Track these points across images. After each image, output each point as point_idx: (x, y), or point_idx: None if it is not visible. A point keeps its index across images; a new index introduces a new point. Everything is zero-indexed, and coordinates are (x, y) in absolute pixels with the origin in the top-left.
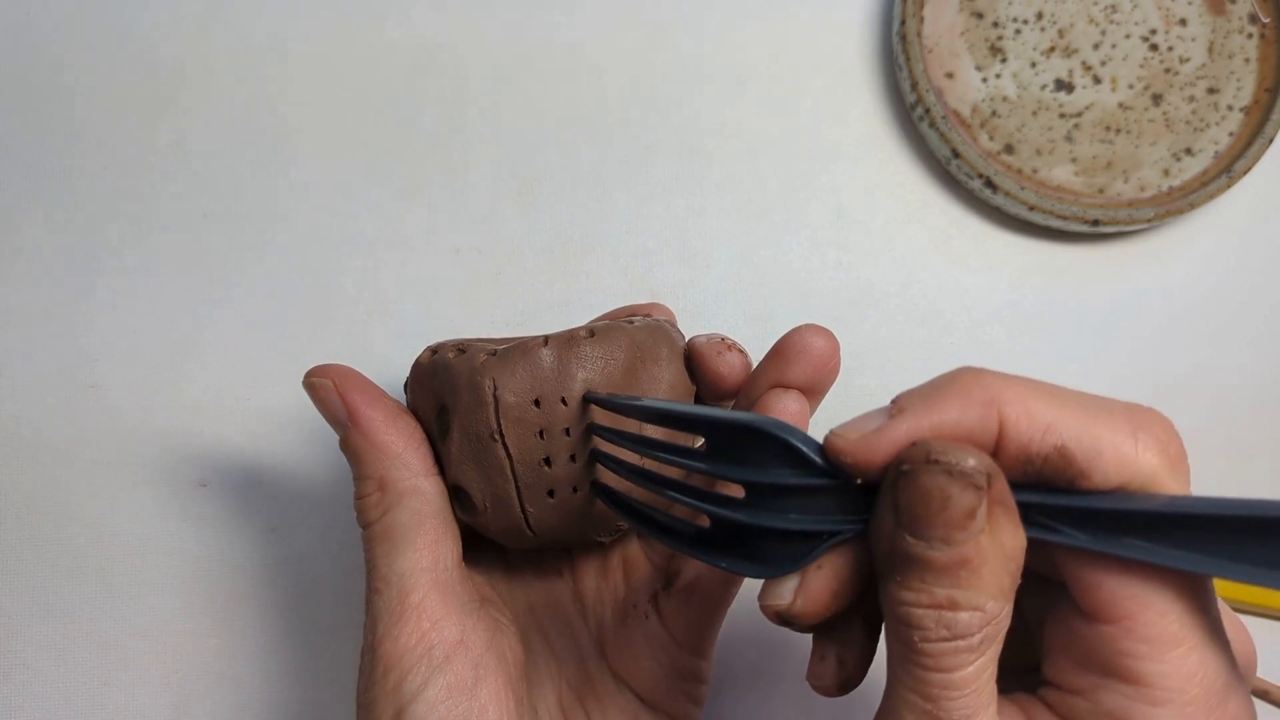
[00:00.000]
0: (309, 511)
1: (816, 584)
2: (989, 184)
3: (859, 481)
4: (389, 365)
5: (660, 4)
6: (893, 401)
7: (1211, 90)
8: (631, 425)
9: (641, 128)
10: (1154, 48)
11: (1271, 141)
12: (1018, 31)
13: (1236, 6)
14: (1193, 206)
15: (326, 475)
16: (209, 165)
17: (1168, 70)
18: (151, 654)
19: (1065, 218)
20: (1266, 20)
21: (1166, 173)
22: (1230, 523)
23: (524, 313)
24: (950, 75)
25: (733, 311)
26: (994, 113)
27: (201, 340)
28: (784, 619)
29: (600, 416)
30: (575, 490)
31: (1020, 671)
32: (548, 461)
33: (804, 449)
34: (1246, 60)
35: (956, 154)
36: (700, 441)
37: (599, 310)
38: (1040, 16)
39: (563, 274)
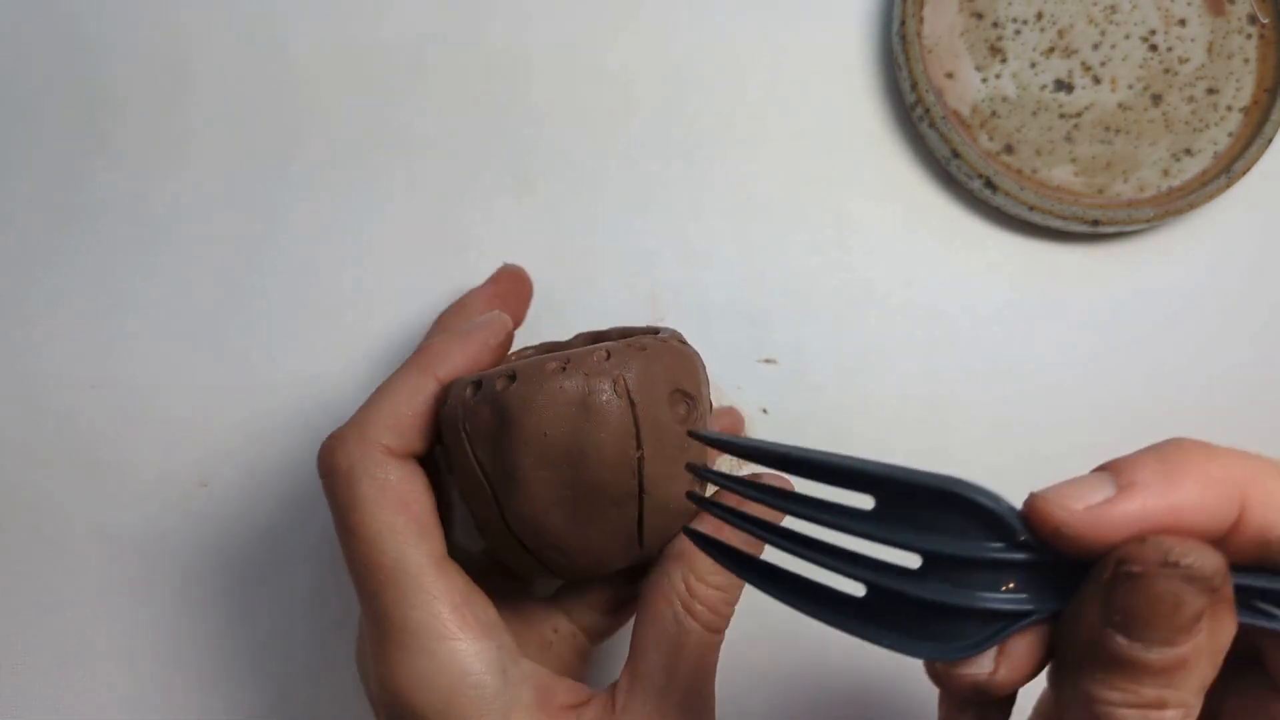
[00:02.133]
0: (309, 511)
1: (1020, 655)
2: (989, 184)
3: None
4: (389, 366)
5: (660, 4)
6: (1110, 469)
7: (1211, 90)
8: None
9: (642, 128)
10: (1153, 48)
11: (1271, 142)
12: (1018, 32)
13: (1236, 7)
14: (1192, 207)
15: None
16: (209, 164)
17: (1167, 70)
18: (152, 654)
19: (1065, 218)
20: (1266, 21)
21: (1166, 173)
22: None
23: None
24: (950, 75)
25: (733, 311)
26: (994, 113)
27: (202, 340)
28: (980, 690)
29: (712, 456)
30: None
31: None
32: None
33: (1007, 518)
34: (1246, 60)
35: (956, 154)
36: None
37: (599, 310)
38: (1040, 17)
39: (563, 274)
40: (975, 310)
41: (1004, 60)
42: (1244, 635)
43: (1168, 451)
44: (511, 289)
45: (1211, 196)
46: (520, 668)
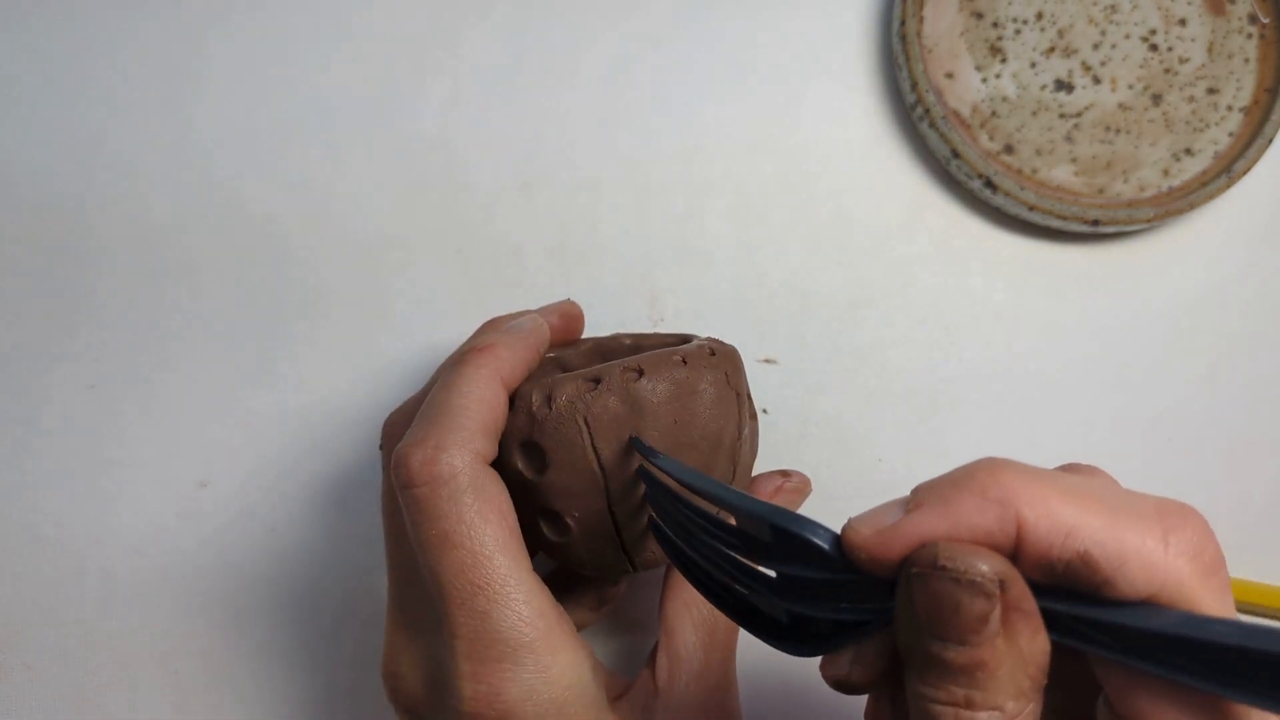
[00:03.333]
0: (309, 511)
1: (870, 655)
2: (989, 184)
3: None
4: (389, 365)
5: (660, 4)
6: (912, 492)
7: (1211, 90)
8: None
9: (641, 128)
10: (1154, 48)
11: (1271, 141)
12: (1018, 31)
13: (1236, 7)
14: (1192, 206)
15: (327, 475)
16: (209, 162)
17: (1167, 70)
18: (151, 654)
19: (1065, 218)
20: (1266, 20)
21: (1166, 173)
22: (1253, 655)
23: None
24: (950, 75)
25: (733, 311)
26: (994, 113)
27: (202, 340)
28: (843, 685)
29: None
30: None
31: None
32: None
33: (824, 546)
34: (1246, 60)
35: (956, 154)
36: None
37: (599, 310)
38: (1040, 16)
39: (563, 274)
40: (975, 310)
41: (1004, 60)
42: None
43: (959, 473)
44: (564, 325)
45: (1211, 196)
46: (600, 668)
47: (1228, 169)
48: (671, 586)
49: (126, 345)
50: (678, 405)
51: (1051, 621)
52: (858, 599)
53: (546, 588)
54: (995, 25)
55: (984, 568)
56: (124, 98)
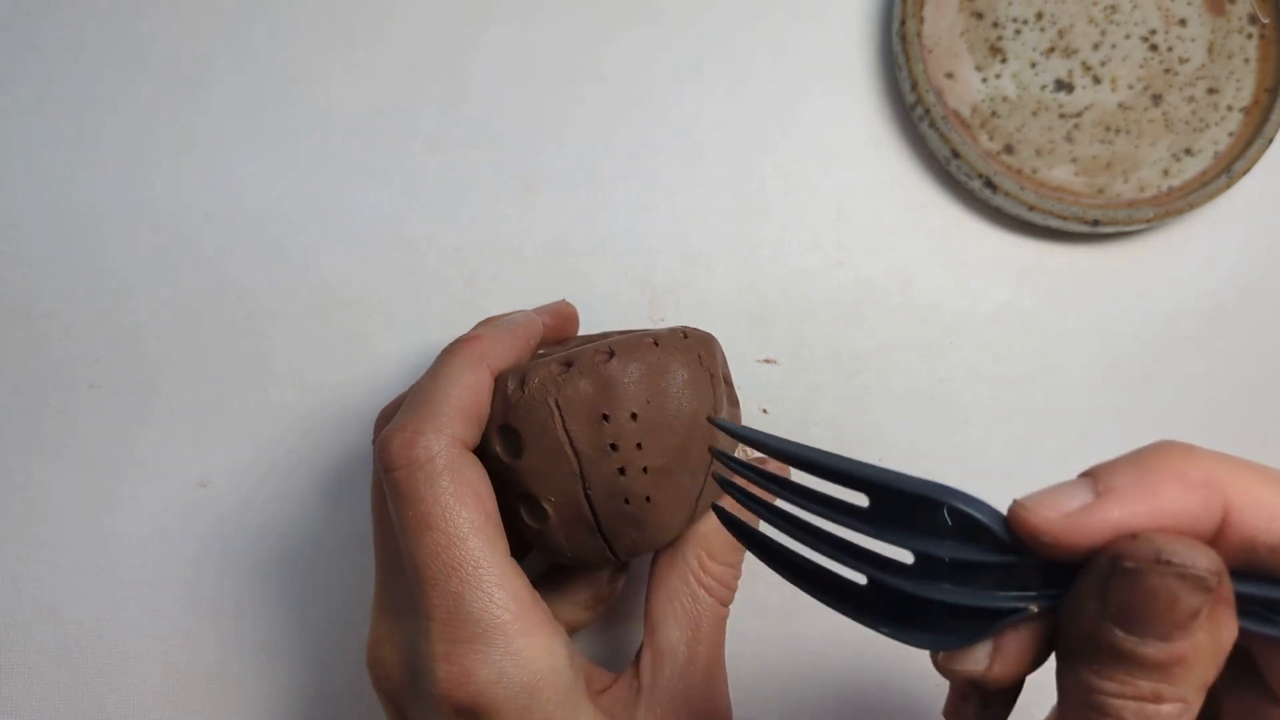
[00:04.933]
0: (309, 511)
1: (1013, 651)
2: (989, 184)
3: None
4: (389, 365)
5: (660, 4)
6: (1090, 475)
7: (1211, 90)
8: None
9: (641, 128)
10: (1154, 48)
11: (1271, 141)
12: (1018, 31)
13: (1236, 7)
14: (1192, 206)
15: (327, 475)
16: (210, 160)
17: (1167, 70)
18: (151, 654)
19: (1065, 218)
20: (1266, 20)
21: (1166, 173)
22: None
23: None
24: (950, 75)
25: (733, 311)
26: (994, 113)
27: (201, 340)
28: (976, 685)
29: (726, 442)
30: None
31: None
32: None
33: (989, 524)
34: (1246, 60)
35: (956, 154)
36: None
37: (599, 310)
38: (1040, 16)
39: (563, 274)
40: (975, 310)
41: (1004, 60)
42: (1240, 638)
43: (1147, 456)
44: (557, 324)
45: (1211, 196)
46: (577, 658)
47: (1228, 169)
48: (656, 580)
49: (127, 345)
50: (649, 385)
51: (1241, 607)
52: (1003, 585)
53: (522, 573)
54: (995, 25)
55: (1206, 562)
56: (129, 99)
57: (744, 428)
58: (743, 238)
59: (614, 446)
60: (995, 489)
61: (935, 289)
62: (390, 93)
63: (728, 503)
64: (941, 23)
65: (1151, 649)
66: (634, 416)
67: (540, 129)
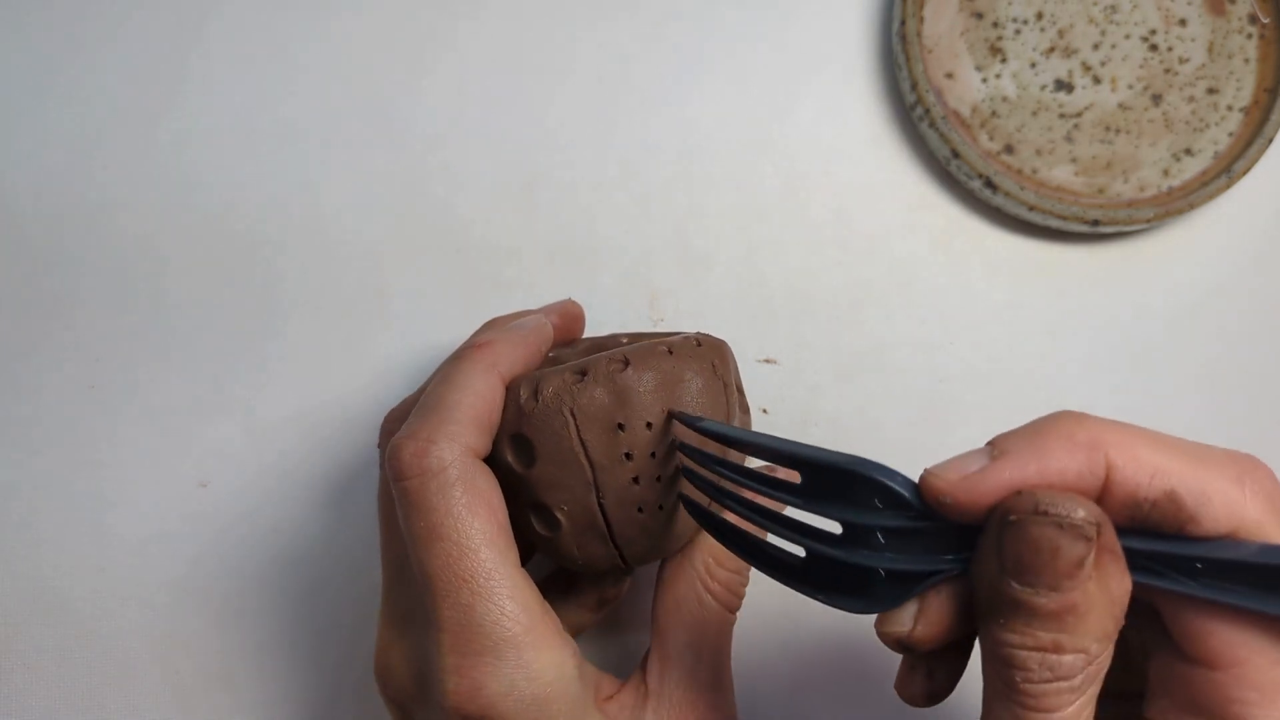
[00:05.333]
0: (309, 512)
1: (936, 611)
2: (989, 184)
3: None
4: (389, 365)
5: (660, 3)
6: (990, 443)
7: (1211, 90)
8: (712, 446)
9: (642, 127)
10: (1154, 48)
11: (1271, 141)
12: (1018, 31)
13: (1236, 7)
14: (1192, 206)
15: (327, 475)
16: (210, 162)
17: (1167, 70)
18: (151, 654)
19: (1065, 218)
20: (1266, 20)
21: (1166, 173)
22: None
23: None
24: (950, 75)
25: (733, 311)
26: (994, 113)
27: (202, 340)
28: (904, 645)
29: (686, 435)
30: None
31: (1115, 697)
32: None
33: (902, 491)
34: (1246, 60)
35: (956, 154)
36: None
37: (599, 310)
38: (1040, 16)
39: (562, 274)
40: (975, 310)
41: (1004, 60)
42: (1143, 595)
43: (1040, 422)
44: (564, 325)
45: (1211, 196)
46: (586, 667)
47: (1228, 169)
48: (663, 586)
49: (127, 345)
50: (664, 394)
51: (1132, 562)
52: (926, 549)
53: (533, 584)
54: (995, 25)
55: (1083, 512)
56: (120, 99)
57: (698, 418)
58: (743, 238)
59: (629, 455)
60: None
61: (935, 289)
62: (390, 92)
63: (688, 489)
64: (941, 23)
65: (1044, 599)
66: (649, 425)
67: (540, 129)
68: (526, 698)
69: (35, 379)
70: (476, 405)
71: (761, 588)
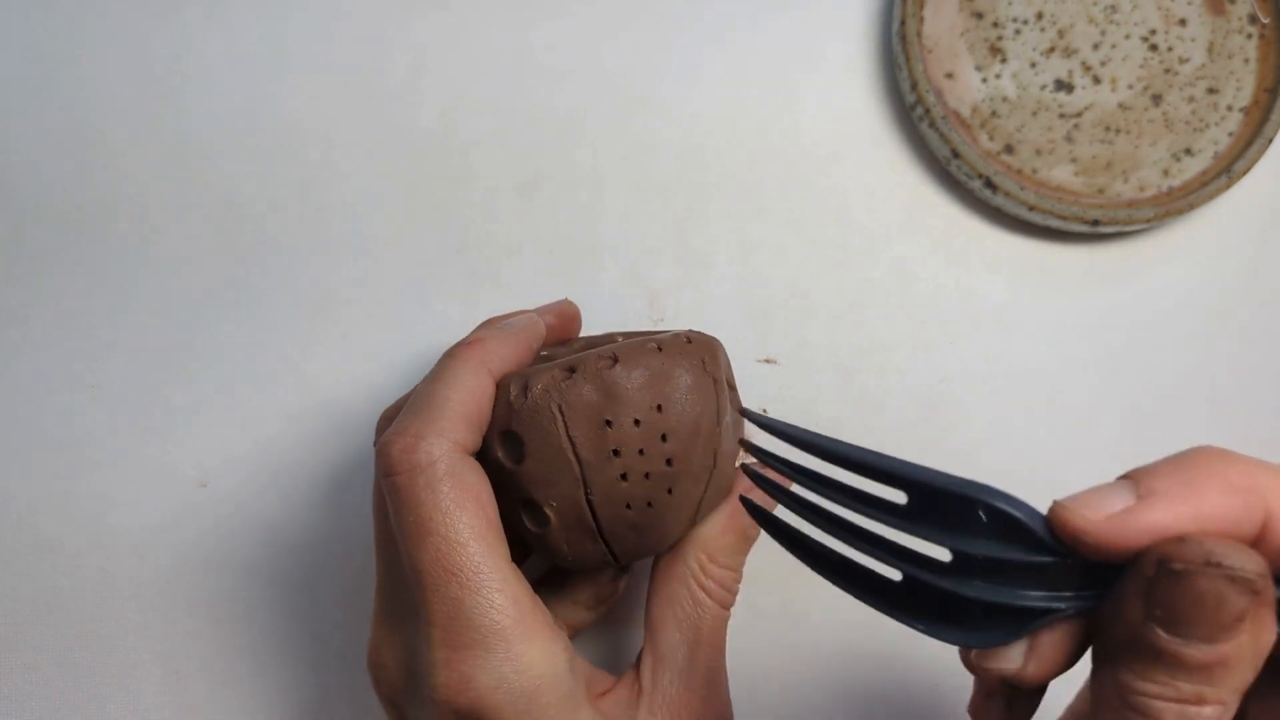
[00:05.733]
0: (308, 512)
1: (1049, 650)
2: (989, 184)
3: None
4: (389, 365)
5: (660, 3)
6: (1131, 478)
7: (1211, 90)
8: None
9: (641, 128)
10: (1154, 48)
11: (1271, 141)
12: (1018, 31)
13: (1236, 7)
14: (1192, 207)
15: (326, 475)
16: (209, 162)
17: (1167, 70)
18: (151, 654)
19: (1065, 218)
20: (1266, 20)
21: (1166, 173)
22: None
23: None
24: (950, 75)
25: (733, 311)
26: (994, 113)
27: (202, 340)
28: (1010, 682)
29: (757, 435)
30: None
31: None
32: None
33: (1029, 524)
34: (1246, 60)
35: (956, 154)
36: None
37: (599, 310)
38: (1040, 16)
39: (563, 274)
40: (975, 310)
41: (1004, 60)
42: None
43: (1188, 460)
44: (560, 324)
45: (1211, 196)
46: (577, 662)
47: (1228, 169)
48: (656, 583)
49: (127, 345)
50: (653, 391)
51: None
52: (1043, 585)
53: (523, 578)
54: (995, 25)
55: (1255, 566)
56: (121, 93)
57: (779, 422)
58: (743, 238)
59: (616, 452)
60: (1020, 493)
61: (935, 289)
62: (390, 92)
63: (756, 495)
64: (941, 23)
65: (1196, 651)
66: (637, 422)
67: (540, 128)
68: (516, 690)
69: (35, 379)
70: (466, 402)
71: (762, 586)
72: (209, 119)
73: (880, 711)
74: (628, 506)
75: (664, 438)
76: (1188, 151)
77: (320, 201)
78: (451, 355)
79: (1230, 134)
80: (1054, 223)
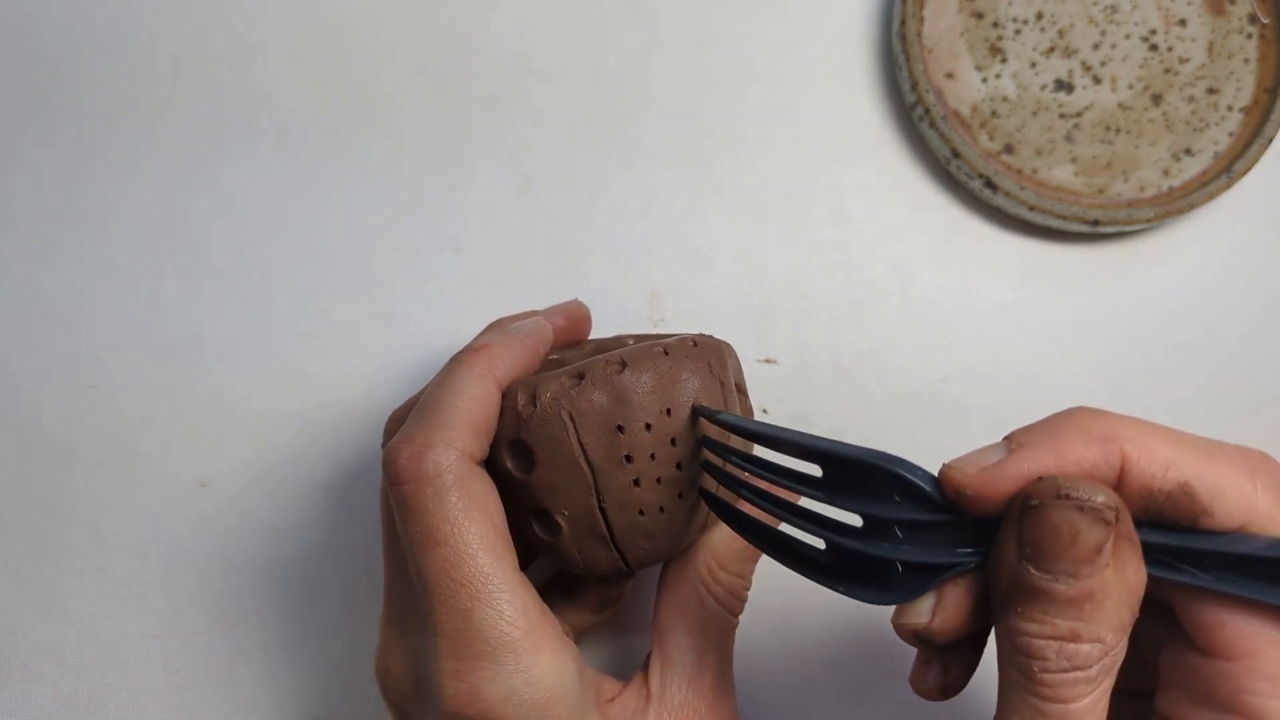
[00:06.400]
0: (310, 512)
1: (953, 604)
2: (989, 184)
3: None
4: (389, 365)
5: (660, 3)
6: (1007, 438)
7: (1211, 90)
8: (735, 442)
9: (641, 128)
10: (1154, 48)
11: (1271, 141)
12: (1018, 31)
13: (1236, 7)
14: (1192, 206)
15: (327, 475)
16: (207, 162)
17: (1167, 70)
18: (151, 654)
19: (1065, 218)
20: (1266, 20)
21: (1166, 173)
22: None
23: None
24: (950, 75)
25: (733, 311)
26: (994, 113)
27: (202, 340)
28: (920, 637)
29: (711, 430)
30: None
31: (1128, 696)
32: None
33: (922, 484)
34: (1246, 60)
35: (956, 154)
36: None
37: (599, 310)
38: (1040, 16)
39: (563, 274)
40: (975, 310)
41: (1004, 60)
42: (1157, 590)
43: (1057, 418)
44: (569, 326)
45: (1211, 196)
46: (586, 670)
47: (1228, 169)
48: (666, 589)
49: (127, 345)
50: (661, 395)
51: (1147, 555)
52: (944, 543)
53: (532, 588)
54: (995, 25)
55: (1102, 497)
56: (122, 99)
57: (718, 411)
58: (743, 238)
59: (629, 458)
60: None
61: (935, 289)
62: (389, 92)
63: (709, 484)
64: (941, 23)
65: (1063, 585)
66: (648, 427)
67: (540, 128)
68: (526, 702)
69: (35, 379)
70: (473, 410)
71: (762, 585)
72: (209, 116)
73: (883, 709)
74: (640, 512)
75: (673, 441)
76: (1188, 151)
77: (320, 202)
78: (458, 361)
79: (1230, 134)
80: (1054, 223)
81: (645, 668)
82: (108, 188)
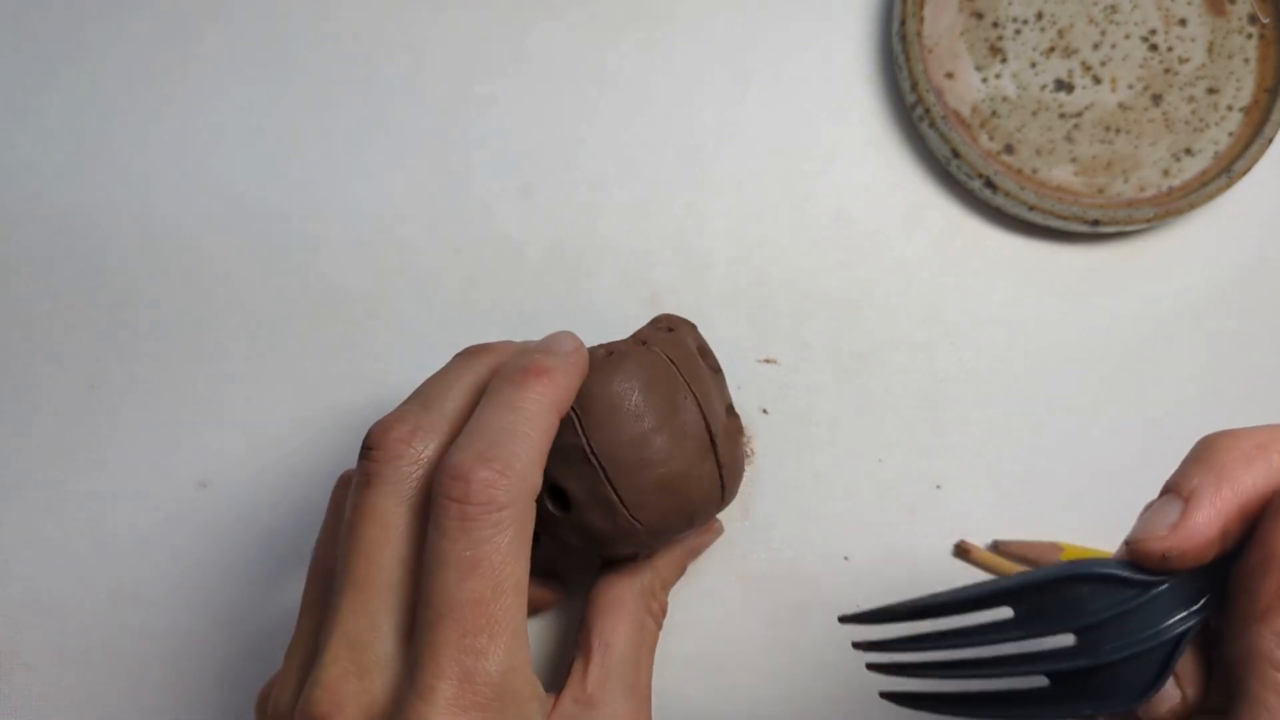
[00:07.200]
0: (310, 513)
1: (1190, 671)
2: (989, 184)
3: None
4: (389, 365)
5: (660, 4)
6: (1169, 490)
7: (1211, 90)
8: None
9: (642, 127)
10: (1154, 48)
11: (1271, 141)
12: (1018, 31)
13: (1236, 7)
14: (1192, 206)
15: (328, 476)
16: (210, 163)
17: (1167, 70)
18: (151, 654)
19: (1065, 218)
20: (1266, 20)
21: (1166, 173)
22: None
23: (524, 313)
24: (950, 75)
25: (733, 311)
26: (994, 113)
27: (202, 339)
28: (1183, 716)
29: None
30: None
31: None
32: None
33: (1125, 574)
34: (1246, 60)
35: (956, 154)
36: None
37: (599, 310)
38: (1040, 16)
39: (563, 274)
40: (975, 310)
41: (1004, 60)
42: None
43: (1202, 451)
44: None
45: (1211, 196)
46: (546, 701)
47: (1228, 169)
48: (611, 603)
49: (127, 345)
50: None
51: None
52: (1156, 620)
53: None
54: (995, 25)
55: None
56: (124, 98)
57: (876, 611)
58: (743, 238)
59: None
60: (995, 488)
61: (935, 289)
62: (390, 93)
63: (894, 685)
64: (941, 23)
65: None
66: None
67: (540, 128)
68: None
69: (35, 379)
70: (544, 446)
71: (756, 585)
72: (210, 120)
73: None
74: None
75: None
76: (1188, 151)
77: (320, 202)
78: (527, 385)
79: (1230, 134)
80: (1054, 223)
81: (581, 676)
82: (108, 188)
